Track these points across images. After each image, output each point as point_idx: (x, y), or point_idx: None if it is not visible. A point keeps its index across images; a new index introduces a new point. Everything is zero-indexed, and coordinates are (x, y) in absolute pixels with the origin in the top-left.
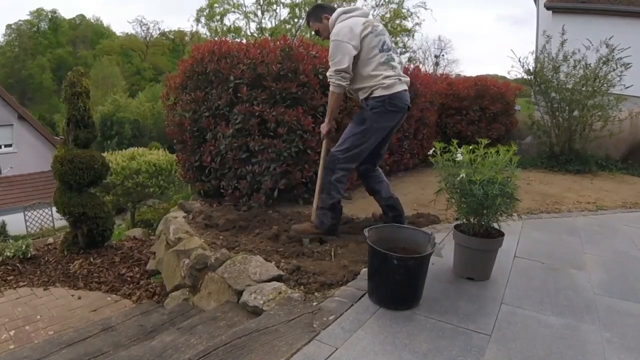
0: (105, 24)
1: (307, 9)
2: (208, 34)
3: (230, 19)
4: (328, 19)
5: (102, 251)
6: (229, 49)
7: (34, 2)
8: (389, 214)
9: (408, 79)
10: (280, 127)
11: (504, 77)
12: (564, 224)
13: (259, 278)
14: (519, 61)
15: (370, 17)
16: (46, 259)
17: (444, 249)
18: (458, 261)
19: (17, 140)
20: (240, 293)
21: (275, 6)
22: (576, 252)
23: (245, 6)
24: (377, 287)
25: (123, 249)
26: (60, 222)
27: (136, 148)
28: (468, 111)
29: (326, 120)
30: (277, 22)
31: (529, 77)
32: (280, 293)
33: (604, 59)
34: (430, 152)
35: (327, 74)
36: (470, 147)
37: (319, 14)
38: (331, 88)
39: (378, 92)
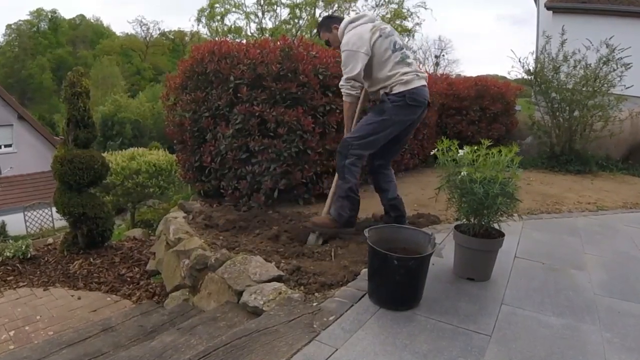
0: (105, 24)
1: (307, 9)
2: (208, 34)
3: (231, 19)
4: (337, 28)
5: (102, 251)
6: (229, 49)
7: (34, 2)
8: (391, 214)
9: (426, 74)
10: (280, 127)
11: (504, 77)
12: (564, 225)
13: (259, 278)
14: (519, 61)
15: (378, 21)
16: (46, 259)
17: (444, 249)
18: (458, 261)
19: (17, 140)
20: (240, 293)
21: (275, 6)
22: (577, 252)
23: (246, 6)
24: (378, 287)
25: (123, 249)
26: (60, 222)
27: (136, 148)
28: (468, 111)
29: (345, 131)
30: (277, 23)
31: (529, 77)
32: (280, 293)
33: (604, 59)
34: (434, 151)
35: (339, 84)
36: (475, 148)
37: (329, 25)
38: (343, 97)
39: (397, 88)
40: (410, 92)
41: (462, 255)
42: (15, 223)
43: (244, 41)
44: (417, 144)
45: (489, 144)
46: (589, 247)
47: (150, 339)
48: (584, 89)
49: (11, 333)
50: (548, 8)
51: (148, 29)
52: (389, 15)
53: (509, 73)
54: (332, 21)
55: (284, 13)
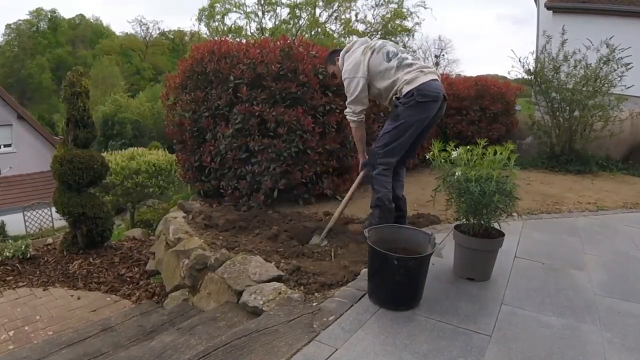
0: (104, 23)
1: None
2: (208, 33)
3: (231, 19)
4: (339, 60)
5: (102, 251)
6: (228, 49)
7: (34, 2)
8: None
9: (434, 68)
10: (280, 127)
11: (504, 77)
12: (564, 224)
13: (259, 278)
14: (520, 61)
15: (369, 41)
16: (45, 259)
17: (444, 249)
18: (458, 261)
19: (17, 140)
20: (240, 293)
21: (275, 6)
22: (577, 252)
23: (246, 6)
24: (378, 287)
25: (122, 249)
26: (60, 222)
27: (136, 148)
28: (468, 111)
29: (359, 154)
30: (277, 22)
31: (530, 77)
32: (280, 293)
33: (604, 59)
34: (429, 155)
35: (345, 111)
36: (468, 147)
37: (333, 58)
38: (350, 122)
39: (405, 89)
40: (417, 89)
41: (462, 255)
42: (15, 223)
43: (244, 41)
44: None
45: (485, 143)
46: (589, 247)
47: (149, 339)
48: (584, 88)
49: (11, 333)
50: (548, 8)
51: (148, 28)
52: (388, 15)
53: (509, 73)
54: (334, 54)
55: (284, 13)
